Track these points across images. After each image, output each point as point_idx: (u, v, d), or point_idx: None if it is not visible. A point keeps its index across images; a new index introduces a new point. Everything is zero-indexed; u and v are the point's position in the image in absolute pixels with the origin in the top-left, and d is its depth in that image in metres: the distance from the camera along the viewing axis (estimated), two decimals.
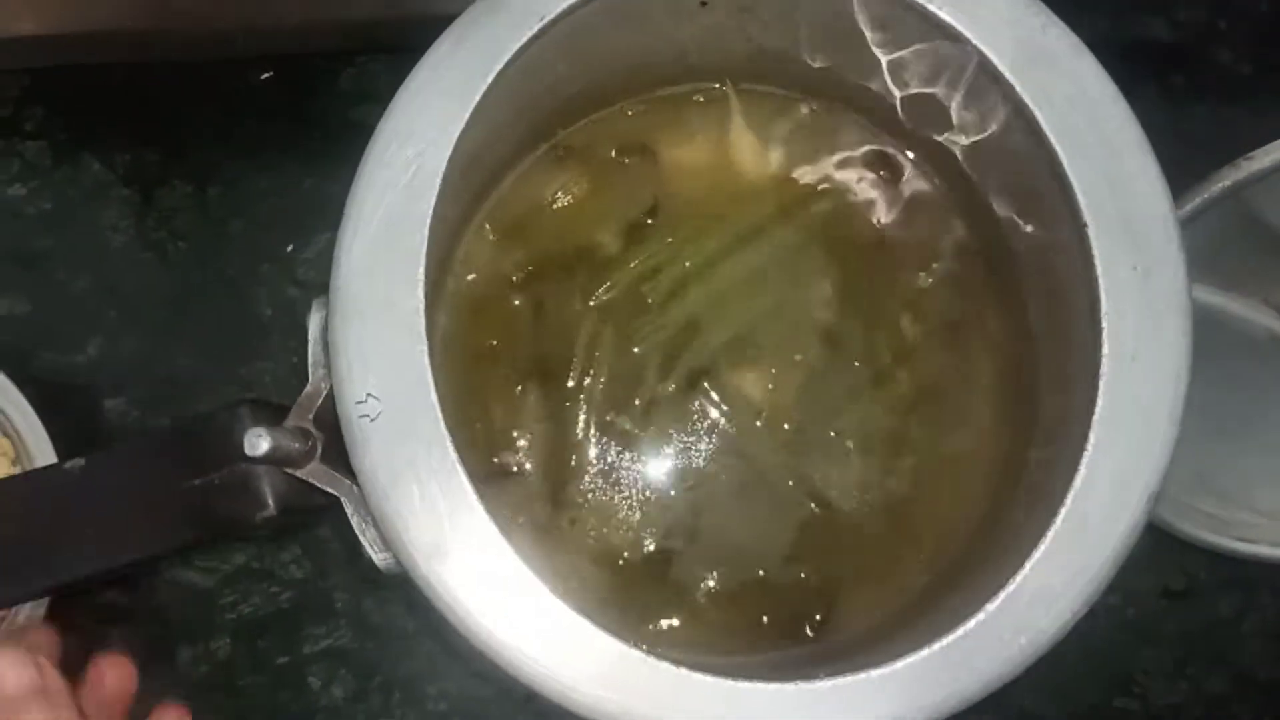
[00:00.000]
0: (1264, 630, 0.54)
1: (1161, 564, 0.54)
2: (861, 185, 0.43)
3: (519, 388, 0.41)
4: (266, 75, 0.55)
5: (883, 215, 0.43)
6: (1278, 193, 0.45)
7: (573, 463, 0.41)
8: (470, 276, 0.42)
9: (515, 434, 0.41)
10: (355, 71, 0.55)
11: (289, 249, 0.54)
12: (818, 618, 0.40)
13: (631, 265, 0.42)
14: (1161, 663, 0.53)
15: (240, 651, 0.52)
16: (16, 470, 0.51)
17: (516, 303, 0.42)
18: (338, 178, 0.54)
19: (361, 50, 0.54)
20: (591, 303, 0.42)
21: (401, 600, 0.51)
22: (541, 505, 0.41)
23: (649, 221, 0.42)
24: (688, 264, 0.42)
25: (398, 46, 0.51)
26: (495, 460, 0.41)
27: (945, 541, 0.41)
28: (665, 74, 0.42)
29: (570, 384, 0.41)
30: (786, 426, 0.41)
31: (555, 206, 0.42)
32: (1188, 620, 0.54)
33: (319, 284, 0.54)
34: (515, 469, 0.41)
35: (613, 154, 0.43)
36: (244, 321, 0.54)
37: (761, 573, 0.41)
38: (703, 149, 0.43)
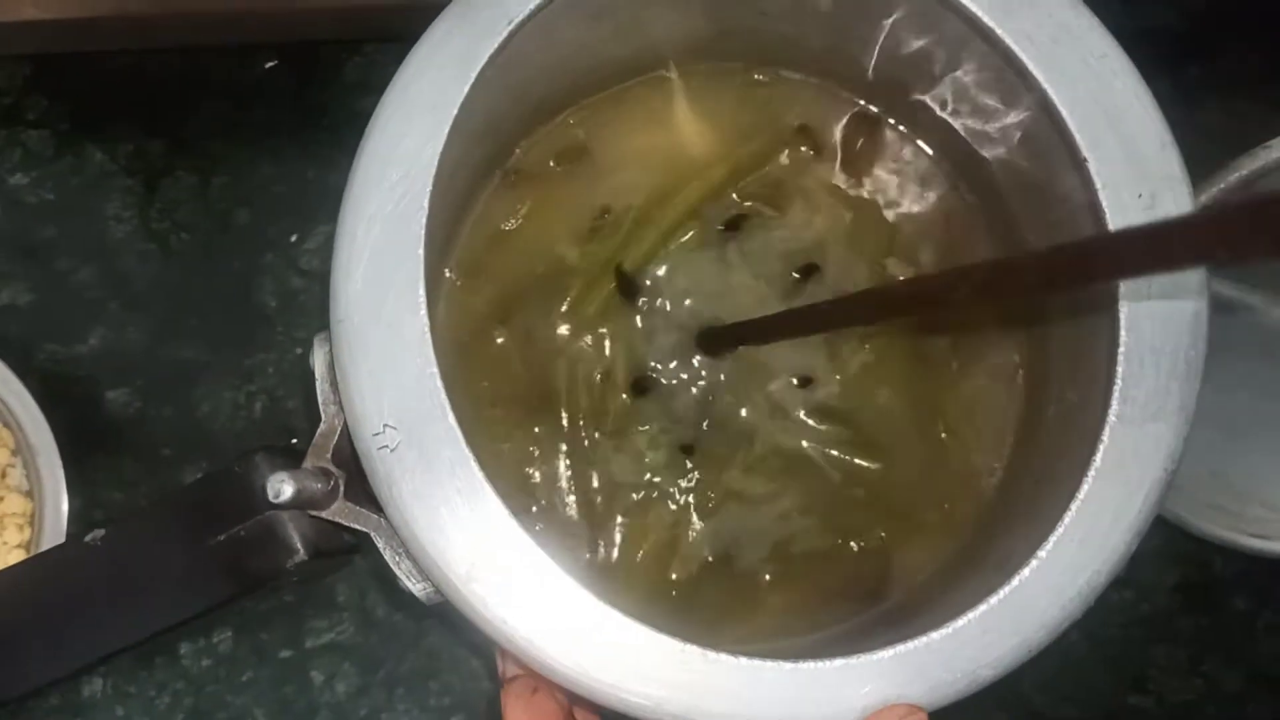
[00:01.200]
0: (1279, 626, 0.53)
1: (1176, 560, 0.53)
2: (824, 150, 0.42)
3: (529, 425, 0.40)
4: (271, 64, 0.54)
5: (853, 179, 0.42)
6: None
7: (597, 498, 0.40)
8: (448, 323, 0.41)
9: (530, 470, 0.40)
10: (361, 60, 0.54)
11: (293, 239, 0.54)
12: (873, 584, 0.39)
13: (589, 267, 0.41)
14: (1175, 660, 0.53)
15: (243, 645, 0.51)
16: (16, 460, 0.51)
17: (500, 340, 0.41)
18: (342, 168, 0.54)
19: (368, 38, 0.53)
20: (564, 328, 0.41)
21: (403, 594, 0.51)
22: (577, 541, 0.40)
23: (605, 218, 0.41)
24: (645, 248, 0.41)
25: (403, 35, 0.51)
26: (518, 500, 0.40)
27: (981, 487, 0.40)
28: (620, 69, 0.41)
29: (568, 412, 0.40)
30: (802, 410, 0.40)
31: (508, 231, 0.41)
32: (1202, 617, 0.53)
33: (322, 273, 0.54)
34: (537, 508, 0.40)
35: (551, 164, 0.42)
36: (247, 312, 0.53)
37: (812, 551, 0.40)
38: (646, 136, 0.42)
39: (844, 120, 0.42)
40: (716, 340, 0.40)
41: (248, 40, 0.51)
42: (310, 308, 0.53)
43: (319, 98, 0.54)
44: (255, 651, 0.51)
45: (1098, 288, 0.34)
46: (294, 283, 0.54)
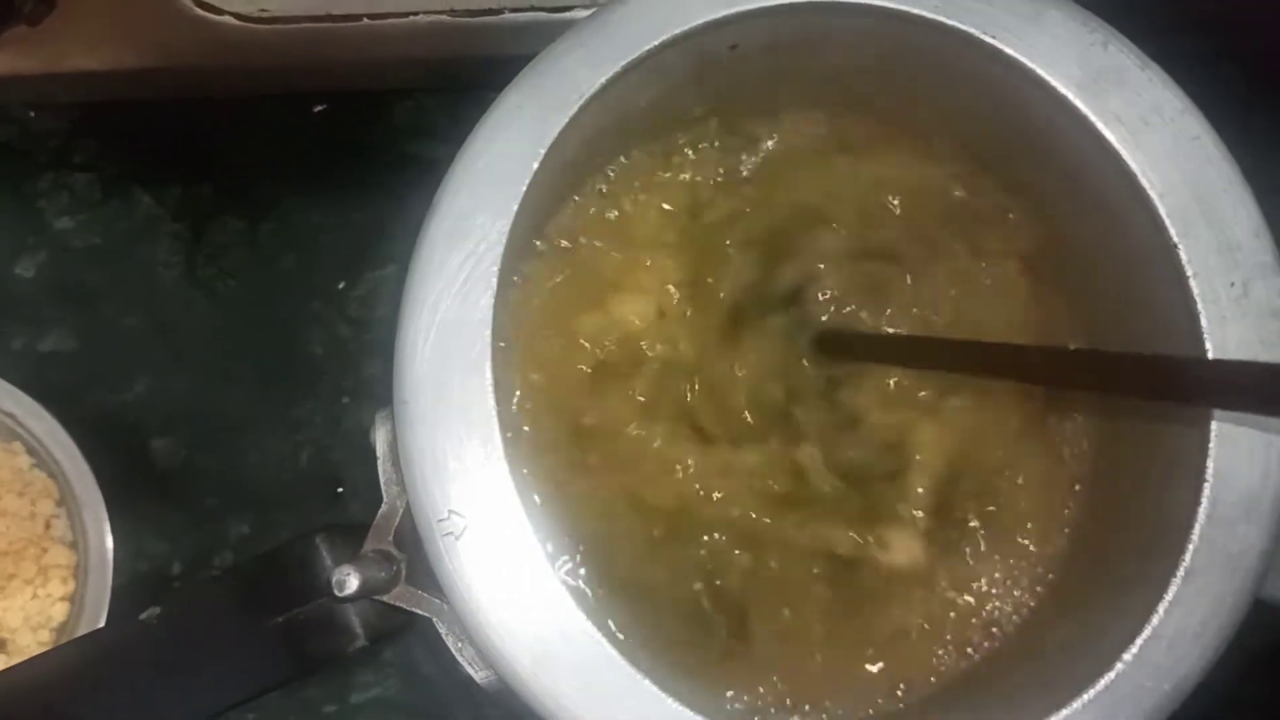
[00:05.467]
0: None
1: (1243, 625, 0.52)
2: None
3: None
4: (320, 108, 0.54)
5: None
6: None
7: None
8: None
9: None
10: (411, 105, 0.54)
11: (340, 286, 0.53)
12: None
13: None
14: None
15: (289, 699, 0.50)
16: (61, 511, 0.50)
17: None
18: (392, 213, 0.54)
19: (419, 88, 0.52)
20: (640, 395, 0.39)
21: (449, 653, 0.50)
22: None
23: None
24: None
25: (455, 86, 0.50)
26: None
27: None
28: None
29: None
30: None
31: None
32: (1265, 687, 0.52)
33: (370, 321, 0.53)
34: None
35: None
36: (294, 360, 0.53)
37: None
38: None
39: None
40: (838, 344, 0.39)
41: (297, 89, 0.50)
42: (358, 356, 0.53)
43: (368, 142, 0.54)
44: (300, 706, 0.50)
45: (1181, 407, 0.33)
46: (341, 331, 0.53)
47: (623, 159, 0.40)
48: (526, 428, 0.38)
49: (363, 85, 0.50)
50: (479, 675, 0.34)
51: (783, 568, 0.38)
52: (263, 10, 0.43)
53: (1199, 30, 0.49)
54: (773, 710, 0.37)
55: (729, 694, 0.37)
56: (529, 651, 0.31)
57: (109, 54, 0.44)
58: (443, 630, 0.35)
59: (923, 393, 0.39)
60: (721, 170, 0.41)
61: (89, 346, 0.52)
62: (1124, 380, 0.29)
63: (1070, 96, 0.33)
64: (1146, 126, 0.33)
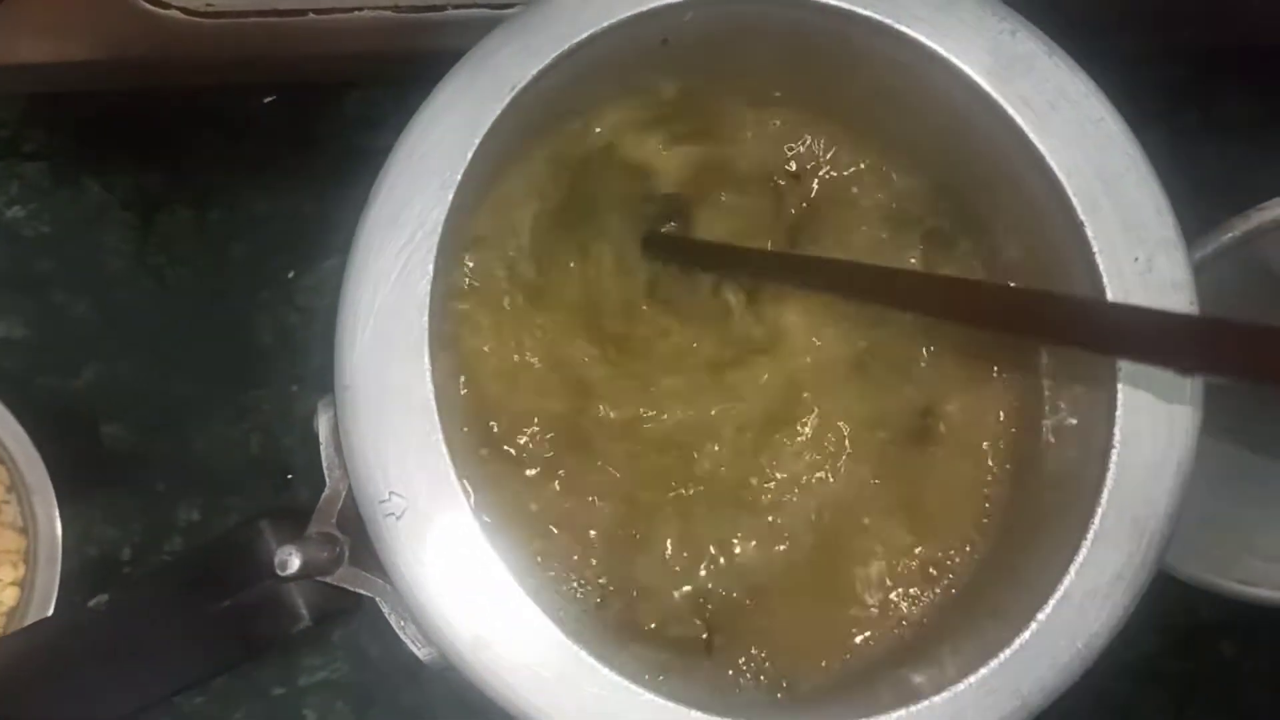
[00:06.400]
0: (1264, 673, 0.54)
1: (1162, 605, 0.53)
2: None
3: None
4: (270, 99, 0.54)
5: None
6: None
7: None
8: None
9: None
10: (359, 96, 0.54)
11: (290, 275, 0.54)
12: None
13: None
14: (1161, 705, 0.53)
15: (236, 682, 0.51)
16: (10, 497, 0.51)
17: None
18: (341, 203, 0.54)
19: (367, 81, 0.53)
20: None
21: (394, 633, 0.51)
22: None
23: None
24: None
25: (403, 79, 0.51)
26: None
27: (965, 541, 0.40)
28: None
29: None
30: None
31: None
32: (1188, 662, 0.54)
33: (319, 310, 0.54)
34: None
35: None
36: (243, 348, 0.53)
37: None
38: None
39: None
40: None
41: (246, 81, 0.51)
42: (307, 345, 0.53)
43: (317, 133, 0.54)
44: (249, 688, 0.51)
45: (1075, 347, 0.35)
46: (291, 319, 0.54)
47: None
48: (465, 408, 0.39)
49: (311, 78, 0.51)
50: (422, 653, 0.35)
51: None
52: (209, 4, 0.43)
53: (1136, 27, 0.50)
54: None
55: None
56: (469, 628, 0.32)
57: (56, 47, 0.45)
58: (386, 610, 0.36)
59: None
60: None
61: (39, 333, 0.53)
62: (1012, 316, 0.30)
63: (981, 81, 0.34)
64: (1053, 110, 0.34)
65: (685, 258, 0.41)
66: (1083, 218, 0.34)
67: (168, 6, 0.43)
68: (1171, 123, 0.56)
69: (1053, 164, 0.35)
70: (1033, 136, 0.35)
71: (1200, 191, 0.52)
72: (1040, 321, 0.30)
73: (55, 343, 0.53)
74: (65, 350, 0.53)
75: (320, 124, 0.54)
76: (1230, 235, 0.45)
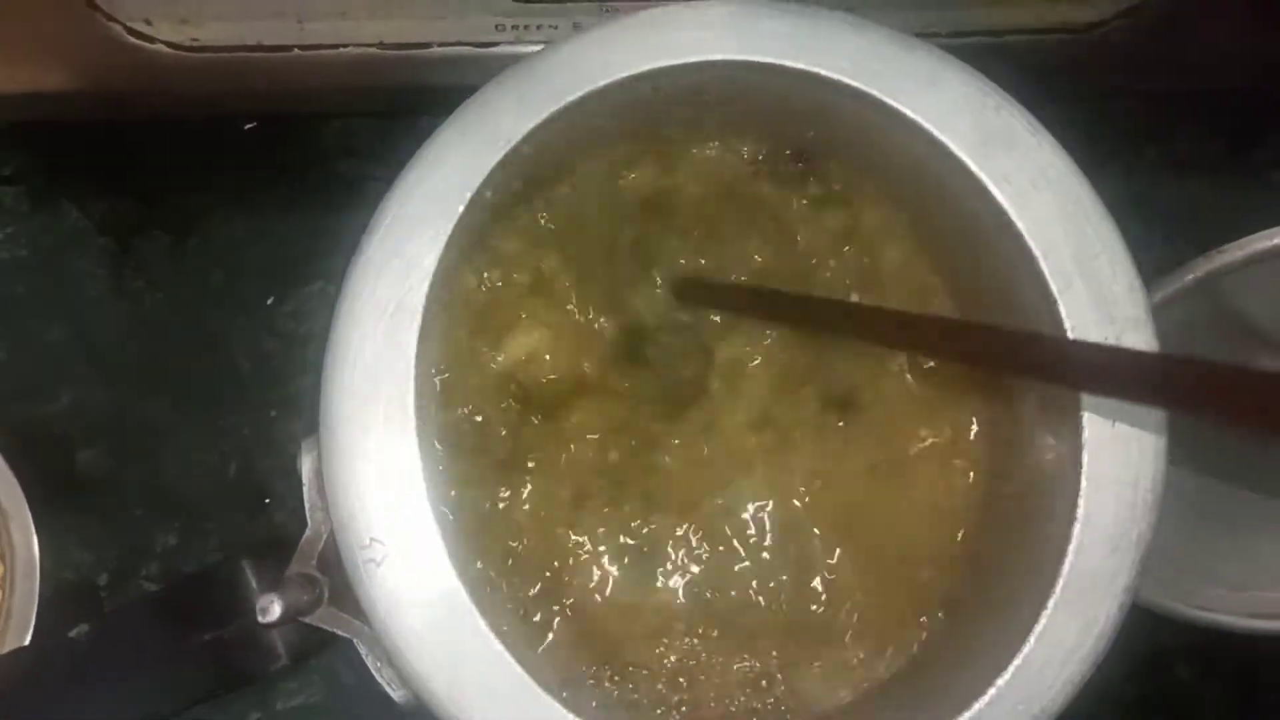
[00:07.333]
0: (1223, 697, 0.55)
1: (1122, 631, 0.55)
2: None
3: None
4: (250, 125, 0.54)
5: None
6: (1250, 284, 0.46)
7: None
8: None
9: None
10: (339, 125, 0.55)
11: (268, 301, 0.54)
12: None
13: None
14: None
15: (214, 708, 0.51)
16: None
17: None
18: (321, 231, 0.55)
19: (348, 114, 0.53)
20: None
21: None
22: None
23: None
24: None
25: (386, 110, 0.51)
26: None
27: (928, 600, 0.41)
28: None
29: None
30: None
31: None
32: (1147, 685, 0.55)
33: (298, 335, 0.54)
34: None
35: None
36: (221, 374, 0.54)
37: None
38: None
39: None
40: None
41: (227, 110, 0.51)
42: (285, 371, 0.54)
43: (297, 160, 0.55)
44: (225, 714, 0.51)
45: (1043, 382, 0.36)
46: (268, 345, 0.54)
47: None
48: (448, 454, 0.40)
49: (293, 108, 0.51)
50: (396, 694, 0.36)
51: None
52: (194, 40, 0.44)
53: (1105, 67, 0.52)
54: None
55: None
56: (445, 675, 0.32)
57: (38, 77, 0.45)
58: (363, 651, 0.36)
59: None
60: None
61: (15, 358, 0.53)
62: (986, 351, 0.31)
63: (963, 156, 0.35)
64: (1034, 189, 0.35)
65: (722, 303, 0.41)
66: (1057, 295, 0.35)
67: (153, 41, 0.43)
68: (1131, 161, 0.57)
69: (1030, 243, 0.35)
70: (1013, 214, 0.35)
71: (1157, 226, 0.54)
72: (1009, 356, 0.31)
73: (31, 367, 0.53)
74: (41, 375, 0.53)
75: (300, 151, 0.55)
76: (1192, 276, 0.46)
